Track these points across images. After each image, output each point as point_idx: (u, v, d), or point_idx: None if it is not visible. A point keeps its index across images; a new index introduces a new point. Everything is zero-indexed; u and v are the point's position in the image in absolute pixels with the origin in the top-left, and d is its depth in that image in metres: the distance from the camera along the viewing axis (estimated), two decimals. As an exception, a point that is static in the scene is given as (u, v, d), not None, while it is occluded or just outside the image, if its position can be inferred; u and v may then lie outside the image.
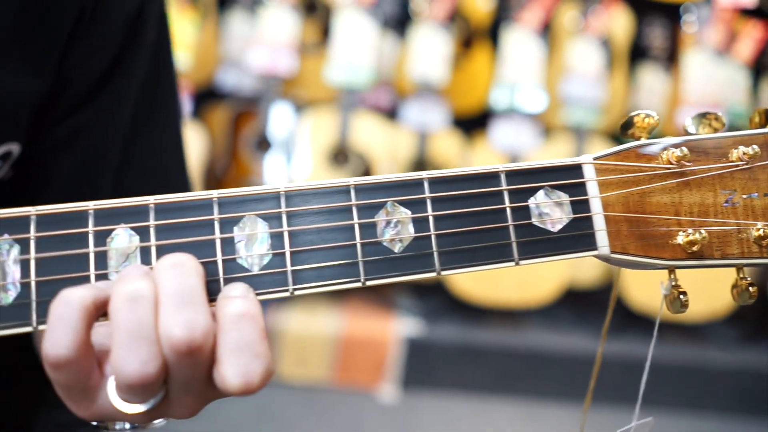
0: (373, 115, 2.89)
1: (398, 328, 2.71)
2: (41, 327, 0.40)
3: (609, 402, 2.71)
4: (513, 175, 0.44)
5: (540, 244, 0.43)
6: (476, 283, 2.82)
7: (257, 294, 0.40)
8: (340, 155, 2.80)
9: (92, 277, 0.41)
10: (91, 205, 0.41)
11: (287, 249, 0.42)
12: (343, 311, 2.75)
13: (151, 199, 0.41)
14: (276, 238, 0.42)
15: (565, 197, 0.44)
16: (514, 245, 0.43)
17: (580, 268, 2.91)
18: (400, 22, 3.02)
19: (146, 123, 0.69)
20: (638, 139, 0.47)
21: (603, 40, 2.95)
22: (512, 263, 0.43)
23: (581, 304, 3.04)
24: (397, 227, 0.43)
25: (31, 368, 0.77)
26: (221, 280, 0.41)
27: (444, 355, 2.80)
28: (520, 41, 2.88)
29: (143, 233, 0.41)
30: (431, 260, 0.42)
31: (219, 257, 0.41)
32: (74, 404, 0.40)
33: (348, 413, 2.65)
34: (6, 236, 0.41)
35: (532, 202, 0.44)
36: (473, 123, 3.04)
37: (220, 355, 0.37)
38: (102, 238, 0.41)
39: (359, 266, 0.42)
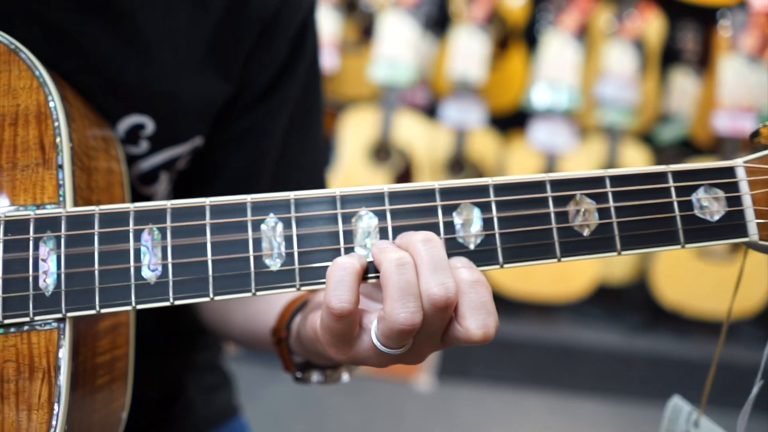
0: (414, 113, 2.98)
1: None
2: (304, 288, 0.50)
3: (636, 397, 2.80)
4: (678, 174, 0.53)
5: (701, 231, 0.52)
6: (511, 277, 2.91)
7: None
8: (382, 152, 2.89)
9: (342, 250, 0.50)
10: (338, 192, 0.51)
11: (497, 231, 0.51)
12: (382, 302, 2.84)
13: (385, 188, 0.51)
14: (487, 222, 0.51)
15: (721, 193, 0.53)
16: (681, 232, 0.52)
17: (611, 267, 3.00)
18: (439, 22, 3.11)
19: (300, 124, 0.79)
20: (765, 146, 0.55)
21: (637, 42, 3.02)
22: (678, 246, 0.52)
23: (611, 302, 3.13)
24: (584, 215, 0.52)
25: (188, 336, 0.87)
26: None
27: (478, 347, 2.88)
28: (557, 43, 2.96)
29: (381, 215, 0.51)
30: (613, 242, 0.52)
31: (441, 236, 0.51)
32: (337, 349, 0.49)
33: (385, 401, 2.74)
34: (272, 215, 0.50)
35: (694, 197, 0.53)
36: (509, 122, 3.13)
37: (463, 312, 0.47)
38: (348, 218, 0.51)
39: (555, 246, 0.51)
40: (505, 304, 2.96)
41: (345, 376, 0.64)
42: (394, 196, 0.51)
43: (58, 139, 0.53)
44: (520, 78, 3.08)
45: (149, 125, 0.67)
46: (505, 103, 3.12)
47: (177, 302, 0.50)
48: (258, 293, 0.50)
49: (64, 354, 0.50)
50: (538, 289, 2.93)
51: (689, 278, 2.85)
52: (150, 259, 0.50)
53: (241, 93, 0.73)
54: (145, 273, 0.50)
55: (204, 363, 0.89)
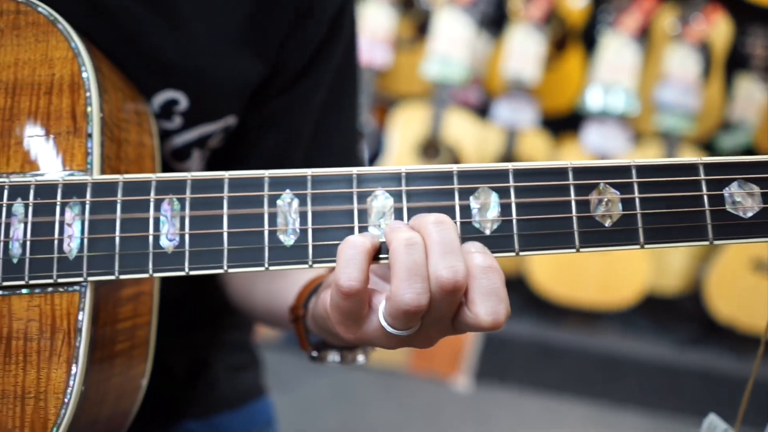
0: (464, 111, 2.95)
1: (476, 320, 2.76)
2: (316, 265, 0.50)
3: (683, 414, 2.70)
4: (710, 167, 0.50)
5: (732, 228, 0.50)
6: (556, 281, 2.85)
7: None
8: (431, 148, 2.88)
9: (356, 229, 0.50)
10: (354, 171, 0.51)
11: (514, 217, 0.50)
12: (423, 300, 2.83)
13: (402, 169, 0.50)
14: (505, 208, 0.50)
15: (756, 189, 0.50)
16: (710, 227, 0.50)
17: (662, 276, 2.90)
18: (495, 21, 3.07)
19: (334, 107, 0.79)
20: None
21: (701, 46, 2.91)
22: (707, 242, 0.49)
23: (660, 313, 3.03)
24: (607, 205, 0.50)
25: (217, 313, 0.88)
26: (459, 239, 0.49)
27: (519, 351, 2.84)
28: (616, 44, 2.89)
29: (396, 196, 0.50)
30: (636, 235, 0.50)
31: (458, 219, 0.50)
32: (346, 328, 0.49)
33: (422, 400, 2.73)
34: (288, 191, 0.51)
35: (726, 191, 0.50)
36: (562, 124, 3.06)
37: (473, 298, 0.46)
38: (363, 198, 0.50)
39: (575, 236, 0.50)
40: (548, 309, 2.91)
41: (360, 358, 0.64)
42: (412, 178, 0.50)
43: (89, 109, 0.55)
44: (576, 80, 3.02)
45: (183, 101, 0.68)
46: (559, 105, 3.06)
47: (192, 272, 0.51)
48: (271, 268, 0.50)
49: (83, 317, 0.52)
50: (584, 295, 2.86)
51: (744, 292, 2.73)
52: (168, 228, 0.51)
53: (276, 74, 0.73)
54: (163, 242, 0.51)
55: (232, 342, 0.90)
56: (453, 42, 2.82)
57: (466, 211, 0.50)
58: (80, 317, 0.52)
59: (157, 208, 0.52)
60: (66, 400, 0.51)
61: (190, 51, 0.66)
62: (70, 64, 0.56)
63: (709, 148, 3.09)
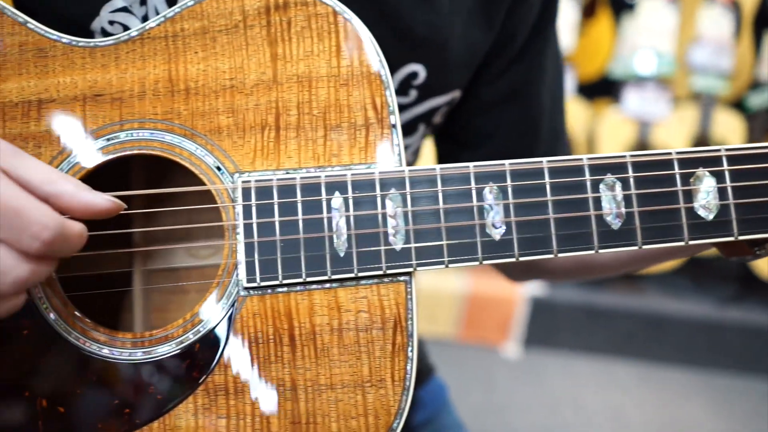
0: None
1: (523, 288, 2.81)
2: (645, 247, 0.52)
3: (727, 369, 2.78)
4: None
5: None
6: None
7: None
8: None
9: (682, 211, 0.52)
10: (674, 153, 0.52)
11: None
12: (471, 271, 2.87)
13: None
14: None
15: None
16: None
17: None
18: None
19: (553, 87, 0.79)
20: None
21: (733, 5, 2.92)
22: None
23: (700, 273, 3.09)
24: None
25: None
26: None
27: (565, 316, 2.90)
28: (651, 7, 2.89)
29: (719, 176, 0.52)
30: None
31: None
32: None
33: (473, 368, 2.78)
34: (609, 175, 0.52)
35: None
36: (596, 90, 3.07)
37: None
38: (686, 179, 0.52)
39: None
40: (593, 274, 2.95)
41: None
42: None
43: (389, 99, 0.55)
44: (607, 45, 3.02)
45: (421, 74, 0.68)
46: (591, 71, 3.07)
47: (522, 258, 0.52)
48: (600, 251, 0.52)
49: (413, 305, 0.53)
50: (628, 259, 2.90)
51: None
52: (494, 216, 0.52)
53: (504, 45, 0.73)
54: (490, 230, 0.52)
55: None
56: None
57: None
58: (409, 306, 0.53)
59: (480, 197, 0.53)
60: (407, 386, 0.52)
61: (435, 22, 0.66)
62: (362, 54, 0.56)
63: (739, 107, 3.12)
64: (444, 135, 0.78)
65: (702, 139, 2.89)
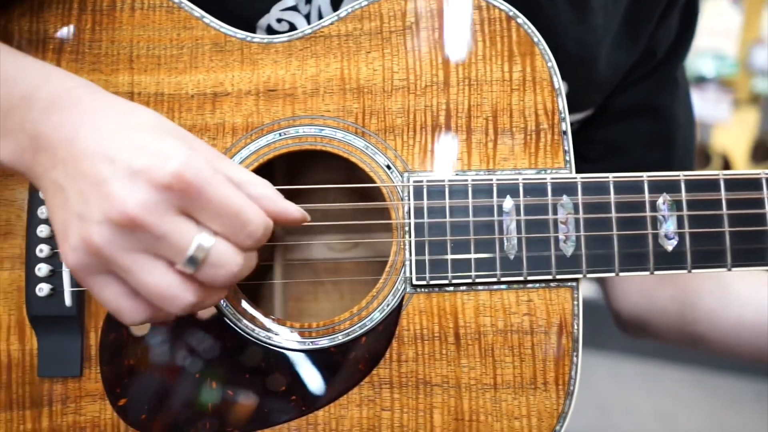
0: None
1: (573, 287, 2.79)
2: None
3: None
4: None
5: None
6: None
7: None
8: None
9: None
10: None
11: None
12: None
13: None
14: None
15: None
16: None
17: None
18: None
19: (686, 101, 0.78)
20: None
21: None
22: None
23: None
24: None
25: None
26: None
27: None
28: (714, 8, 2.83)
29: None
30: None
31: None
32: None
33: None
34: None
35: None
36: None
37: None
38: None
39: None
40: (644, 276, 2.91)
41: None
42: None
43: (560, 106, 0.56)
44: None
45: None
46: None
47: (694, 270, 0.52)
48: (776, 266, 0.52)
49: (579, 311, 0.54)
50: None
51: None
52: (667, 227, 0.53)
53: (640, 63, 0.72)
54: (663, 241, 0.53)
55: None
56: None
57: None
58: (576, 311, 0.54)
59: (653, 208, 0.53)
60: (570, 390, 0.53)
61: (588, 40, 0.66)
62: (534, 59, 0.56)
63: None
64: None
65: (762, 143, 2.84)
